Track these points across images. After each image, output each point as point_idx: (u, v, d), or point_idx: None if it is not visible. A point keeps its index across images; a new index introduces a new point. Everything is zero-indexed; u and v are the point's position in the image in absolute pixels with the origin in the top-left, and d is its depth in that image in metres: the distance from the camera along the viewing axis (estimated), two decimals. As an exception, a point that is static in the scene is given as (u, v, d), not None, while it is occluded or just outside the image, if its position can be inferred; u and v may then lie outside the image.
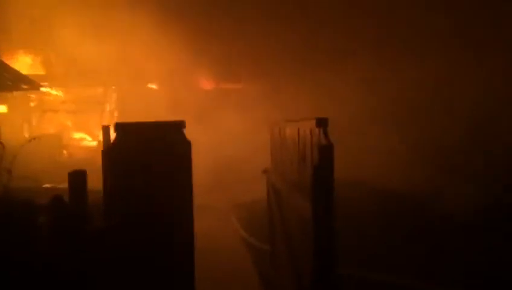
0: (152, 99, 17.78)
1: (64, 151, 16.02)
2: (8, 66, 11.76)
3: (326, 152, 3.38)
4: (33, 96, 17.09)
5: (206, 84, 18.10)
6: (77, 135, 17.57)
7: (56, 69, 17.19)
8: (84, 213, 2.91)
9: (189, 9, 17.35)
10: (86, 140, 17.45)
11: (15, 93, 16.33)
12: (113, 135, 4.27)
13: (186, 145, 4.29)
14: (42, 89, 17.64)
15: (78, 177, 3.06)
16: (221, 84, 17.90)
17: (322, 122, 3.64)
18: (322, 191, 3.24)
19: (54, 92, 17.96)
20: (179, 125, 4.25)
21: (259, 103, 15.16)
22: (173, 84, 17.46)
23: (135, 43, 16.34)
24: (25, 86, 12.08)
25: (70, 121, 17.91)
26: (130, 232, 3.45)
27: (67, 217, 2.77)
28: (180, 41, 16.40)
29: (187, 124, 4.33)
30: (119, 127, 3.65)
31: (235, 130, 15.71)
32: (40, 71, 17.10)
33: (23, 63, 16.69)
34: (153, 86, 18.35)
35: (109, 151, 3.59)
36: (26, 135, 15.63)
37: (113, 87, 17.71)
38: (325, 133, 3.59)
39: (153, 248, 3.71)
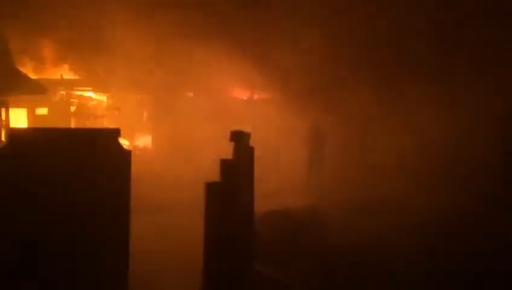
0: (189, 107, 18.04)
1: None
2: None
3: (226, 167, 3.18)
4: (75, 100, 17.81)
5: (242, 93, 18.13)
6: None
7: (100, 74, 17.81)
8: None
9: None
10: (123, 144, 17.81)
11: (57, 96, 17.19)
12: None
13: (123, 155, 4.16)
14: (84, 93, 18.40)
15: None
16: (256, 94, 17.87)
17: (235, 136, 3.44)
18: (213, 208, 3.03)
19: (97, 97, 18.63)
20: (112, 134, 4.13)
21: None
22: (209, 93, 17.63)
23: (172, 50, 16.65)
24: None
25: (110, 126, 18.44)
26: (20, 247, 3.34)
27: None
28: (216, 50, 16.56)
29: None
30: (12, 133, 3.52)
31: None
32: (82, 76, 17.84)
33: (64, 67, 17.51)
34: (190, 94, 18.60)
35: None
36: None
37: (149, 95, 18.12)
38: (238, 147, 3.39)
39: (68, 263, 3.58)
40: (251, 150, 4.14)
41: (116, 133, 4.23)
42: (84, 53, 17.35)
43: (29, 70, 16.05)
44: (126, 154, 4.21)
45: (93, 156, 3.98)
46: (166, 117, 17.39)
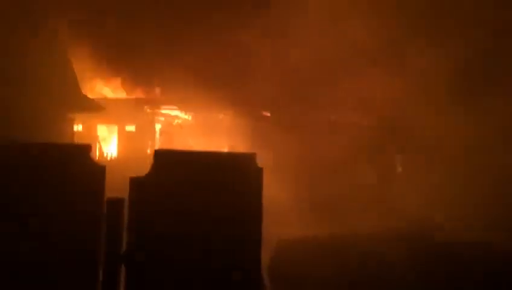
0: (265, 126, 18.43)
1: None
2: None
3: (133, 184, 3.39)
4: (161, 118, 19.09)
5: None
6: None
7: (184, 93, 18.88)
8: None
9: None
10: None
11: (143, 115, 18.61)
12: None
13: (96, 171, 4.41)
14: (170, 112, 19.61)
15: None
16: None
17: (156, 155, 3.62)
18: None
19: (182, 115, 19.76)
20: (83, 150, 4.47)
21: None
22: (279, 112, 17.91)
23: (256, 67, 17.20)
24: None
25: (192, 143, 19.40)
26: None
27: None
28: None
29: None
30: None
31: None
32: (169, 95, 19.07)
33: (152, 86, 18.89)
34: (267, 114, 18.98)
35: None
36: (148, 152, 17.56)
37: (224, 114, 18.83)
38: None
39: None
40: (259, 171, 4.17)
41: (87, 149, 4.37)
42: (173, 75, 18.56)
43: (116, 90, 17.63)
44: (100, 171, 4.32)
45: (61, 172, 4.19)
46: (242, 136, 17.87)
